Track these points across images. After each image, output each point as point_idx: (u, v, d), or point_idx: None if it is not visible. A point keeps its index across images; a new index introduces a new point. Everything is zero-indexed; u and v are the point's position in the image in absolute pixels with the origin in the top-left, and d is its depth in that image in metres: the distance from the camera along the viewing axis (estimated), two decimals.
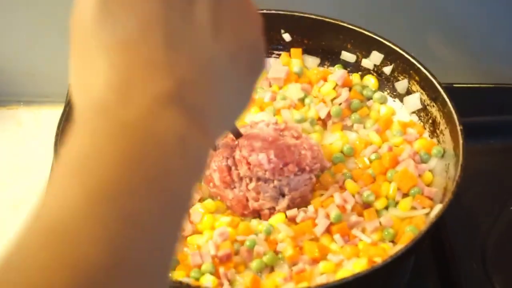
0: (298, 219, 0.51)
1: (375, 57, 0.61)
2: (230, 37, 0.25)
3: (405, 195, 0.53)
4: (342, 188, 0.54)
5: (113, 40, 0.23)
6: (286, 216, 0.52)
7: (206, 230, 0.51)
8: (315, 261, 0.49)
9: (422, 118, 0.59)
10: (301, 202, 0.52)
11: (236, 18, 0.26)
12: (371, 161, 0.56)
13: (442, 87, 0.56)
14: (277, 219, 0.52)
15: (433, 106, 0.57)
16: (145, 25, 0.23)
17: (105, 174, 0.21)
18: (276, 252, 0.50)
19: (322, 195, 0.53)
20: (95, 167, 0.21)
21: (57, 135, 0.52)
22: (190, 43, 0.24)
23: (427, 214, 0.52)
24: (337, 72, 0.61)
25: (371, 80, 0.61)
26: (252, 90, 0.27)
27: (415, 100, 0.59)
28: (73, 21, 0.25)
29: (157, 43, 0.23)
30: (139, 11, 0.23)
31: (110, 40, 0.23)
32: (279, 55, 0.63)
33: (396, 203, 0.53)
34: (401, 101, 0.60)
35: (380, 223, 0.52)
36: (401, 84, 0.60)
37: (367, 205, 0.53)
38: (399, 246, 0.49)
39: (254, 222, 0.52)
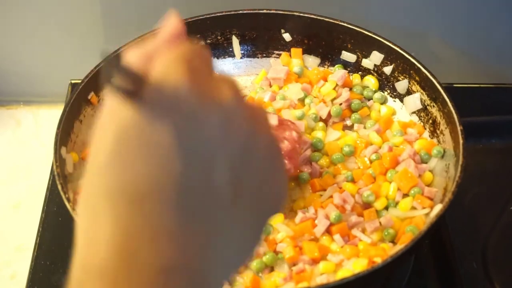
0: (297, 220, 0.51)
1: (376, 57, 0.61)
2: (250, 203, 0.23)
3: (405, 195, 0.53)
4: (342, 188, 0.53)
5: (122, 188, 0.21)
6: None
7: None
8: (315, 261, 0.49)
9: (422, 118, 0.59)
10: None
11: (259, 179, 0.24)
12: (371, 161, 0.56)
13: (442, 87, 0.55)
14: (277, 219, 0.52)
15: (433, 106, 0.57)
16: (160, 173, 0.21)
17: None
18: (276, 252, 0.50)
19: (321, 195, 0.53)
20: None
21: (56, 134, 0.52)
22: (203, 207, 0.22)
23: (427, 214, 0.52)
24: (338, 72, 0.61)
25: (371, 81, 0.61)
26: (259, 241, 0.25)
27: (415, 100, 0.59)
28: (89, 153, 0.23)
29: (168, 200, 0.21)
30: (156, 156, 0.21)
31: (120, 187, 0.21)
32: (279, 55, 0.63)
33: (396, 203, 0.53)
34: (401, 101, 0.60)
35: (380, 223, 0.52)
36: (402, 84, 0.60)
37: (367, 205, 0.53)
38: (399, 246, 0.49)
39: None
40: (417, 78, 0.58)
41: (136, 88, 0.21)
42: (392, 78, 0.60)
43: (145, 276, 0.21)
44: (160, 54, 0.23)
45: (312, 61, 0.63)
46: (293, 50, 0.63)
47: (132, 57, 0.23)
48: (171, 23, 0.25)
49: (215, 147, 0.22)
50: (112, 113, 0.22)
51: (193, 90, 0.22)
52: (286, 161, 0.51)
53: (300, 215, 0.51)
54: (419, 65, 0.57)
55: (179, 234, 0.22)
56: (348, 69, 0.62)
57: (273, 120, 0.52)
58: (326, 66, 0.63)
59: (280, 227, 0.51)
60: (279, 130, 0.51)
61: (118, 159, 0.22)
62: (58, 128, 0.52)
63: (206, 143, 0.22)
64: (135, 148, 0.22)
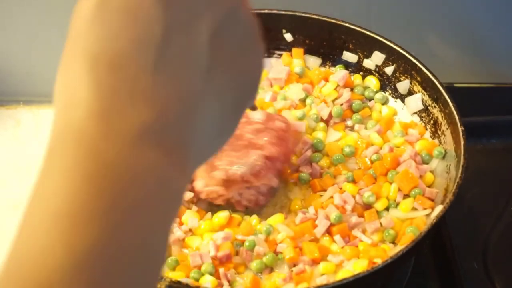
0: (297, 221, 0.51)
1: (377, 58, 0.60)
2: (225, 74, 0.23)
3: (406, 196, 0.53)
4: (342, 189, 0.53)
5: (101, 51, 0.21)
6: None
7: (206, 233, 0.51)
8: (315, 262, 0.49)
9: (423, 119, 0.59)
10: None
11: (238, 54, 0.24)
12: (372, 162, 0.56)
13: (444, 88, 0.55)
14: (277, 220, 0.52)
15: (435, 106, 0.57)
16: (140, 36, 0.21)
17: (82, 219, 0.20)
18: (276, 253, 0.50)
19: (321, 195, 0.53)
20: (72, 214, 0.20)
21: None
22: (182, 71, 0.22)
23: (428, 215, 0.52)
24: (339, 73, 0.61)
25: (372, 81, 0.61)
26: (235, 127, 0.25)
27: (417, 100, 0.59)
28: (71, 22, 0.23)
29: (147, 63, 0.21)
30: (136, 19, 0.21)
31: (98, 51, 0.21)
32: (281, 55, 0.63)
33: (397, 204, 0.53)
34: (403, 101, 0.60)
35: (380, 224, 0.52)
36: (403, 85, 0.60)
37: (367, 206, 0.53)
38: (400, 247, 0.49)
39: (254, 221, 0.52)
40: (418, 78, 0.58)
41: None
42: (393, 79, 0.60)
43: (124, 137, 0.20)
44: None
45: (313, 61, 0.63)
46: (294, 50, 0.63)
47: None
48: None
49: (198, 12, 0.22)
50: None
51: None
52: (273, 149, 0.50)
53: (300, 215, 0.51)
54: (420, 66, 0.57)
55: (158, 97, 0.21)
56: (350, 69, 0.62)
57: (259, 115, 0.52)
58: (327, 67, 0.63)
59: (280, 228, 0.51)
60: (266, 122, 0.51)
61: (98, 23, 0.22)
62: None
63: (188, 7, 0.22)
64: (116, 11, 0.22)
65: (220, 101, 0.23)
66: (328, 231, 0.51)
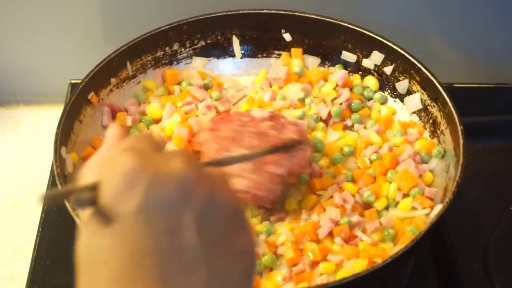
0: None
1: (376, 57, 0.60)
2: (223, 255, 0.26)
3: (406, 195, 0.53)
4: (342, 188, 0.53)
5: (109, 276, 0.24)
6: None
7: None
8: (315, 263, 0.49)
9: (422, 118, 0.59)
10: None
11: (226, 232, 0.26)
12: (371, 161, 0.56)
13: (443, 87, 0.55)
14: (283, 225, 0.51)
15: (434, 106, 0.57)
16: (135, 258, 0.24)
17: None
18: (277, 255, 0.50)
19: (321, 195, 0.53)
20: None
21: (56, 134, 0.51)
22: (183, 272, 0.24)
23: (428, 214, 0.52)
24: (338, 73, 0.61)
25: (371, 81, 0.61)
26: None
27: (416, 100, 0.59)
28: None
29: (152, 275, 0.24)
30: (126, 249, 0.24)
31: (106, 276, 0.24)
32: (280, 55, 0.63)
33: (397, 204, 0.53)
34: (402, 101, 0.60)
35: (380, 223, 0.52)
36: (402, 84, 0.60)
37: (367, 205, 0.53)
38: (400, 247, 0.49)
39: (254, 220, 0.52)
40: (417, 78, 0.58)
41: (92, 195, 0.25)
42: (392, 78, 0.60)
43: None
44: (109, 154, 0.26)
45: (313, 61, 0.63)
46: (293, 50, 0.63)
47: (89, 173, 0.26)
48: (112, 129, 0.29)
49: (177, 211, 0.25)
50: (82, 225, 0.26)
51: (144, 168, 0.25)
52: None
53: (302, 217, 0.51)
54: (419, 65, 0.57)
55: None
56: (349, 69, 0.62)
57: (296, 132, 0.51)
58: (326, 66, 0.63)
59: (282, 230, 0.51)
60: (280, 131, 0.51)
61: (98, 263, 0.25)
62: (58, 128, 0.52)
63: (170, 211, 0.25)
64: (106, 244, 0.25)
65: (227, 275, 0.26)
66: (329, 231, 0.51)
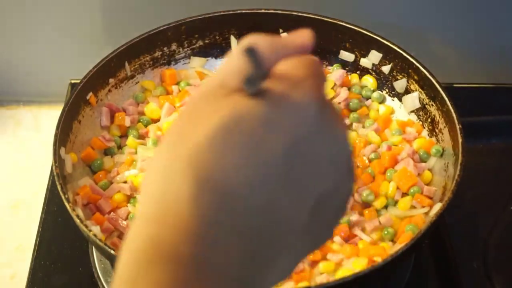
0: None
1: (374, 56, 0.60)
2: (317, 226, 0.23)
3: (405, 194, 0.53)
4: None
5: (209, 175, 0.21)
6: None
7: None
8: (315, 262, 0.49)
9: (421, 117, 0.59)
10: None
11: (332, 201, 0.23)
12: (370, 160, 0.56)
13: (441, 86, 0.55)
14: None
15: (432, 105, 0.57)
16: (251, 177, 0.21)
17: None
18: None
19: None
20: None
21: (55, 135, 0.52)
22: (278, 232, 0.21)
23: (427, 213, 0.52)
24: (336, 72, 0.61)
25: (369, 80, 0.61)
26: (330, 236, 0.25)
27: (414, 99, 0.59)
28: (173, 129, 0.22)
29: (249, 209, 0.21)
30: (255, 159, 0.21)
31: (206, 174, 0.21)
32: None
33: (396, 202, 0.53)
34: (400, 100, 0.60)
35: (379, 222, 0.51)
36: (400, 83, 0.60)
37: (366, 204, 0.53)
38: (399, 245, 0.49)
39: None
40: (415, 77, 0.58)
41: (260, 79, 0.22)
42: (390, 77, 0.60)
43: (217, 281, 0.20)
44: (293, 58, 0.24)
45: None
46: None
47: (263, 45, 0.23)
48: (304, 34, 0.25)
49: (314, 179, 0.22)
50: (221, 98, 0.22)
51: (316, 110, 0.22)
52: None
53: None
54: (417, 64, 0.57)
55: (246, 241, 0.21)
56: (347, 68, 0.62)
57: None
58: (324, 65, 0.63)
59: None
60: None
61: (219, 144, 0.21)
62: (57, 128, 0.52)
63: (308, 171, 0.22)
64: (241, 140, 0.21)
65: (304, 244, 0.23)
66: None
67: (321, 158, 0.23)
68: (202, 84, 0.24)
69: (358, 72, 0.62)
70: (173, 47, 0.62)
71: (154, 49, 0.61)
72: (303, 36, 0.25)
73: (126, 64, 0.60)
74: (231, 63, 0.23)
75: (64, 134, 0.53)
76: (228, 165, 0.21)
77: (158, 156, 0.22)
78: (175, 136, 0.22)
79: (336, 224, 0.25)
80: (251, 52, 0.22)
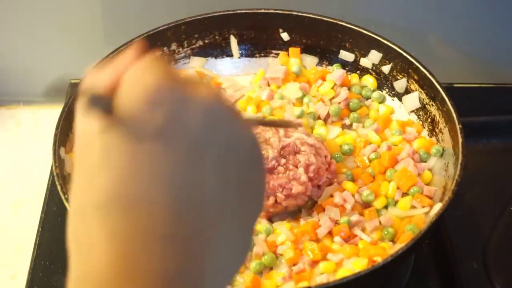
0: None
1: (374, 56, 0.60)
2: (237, 204, 0.23)
3: (405, 194, 0.53)
4: (341, 187, 0.53)
5: (112, 196, 0.21)
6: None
7: None
8: (315, 262, 0.49)
9: (421, 117, 0.59)
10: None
11: (245, 180, 0.24)
12: (370, 160, 0.56)
13: (441, 86, 0.55)
14: (282, 224, 0.51)
15: (432, 105, 0.57)
16: (148, 184, 0.21)
17: None
18: (276, 255, 0.50)
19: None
20: None
21: (55, 135, 0.52)
22: (196, 211, 0.22)
23: (427, 213, 0.52)
24: (336, 72, 0.61)
25: (369, 80, 0.61)
26: (250, 241, 0.26)
27: (414, 99, 0.59)
28: (74, 165, 0.23)
29: (159, 208, 0.21)
30: (142, 168, 0.21)
31: (110, 195, 0.21)
32: (277, 54, 0.63)
33: (396, 202, 0.53)
34: (400, 100, 0.60)
35: (380, 222, 0.51)
36: (400, 83, 0.60)
37: (366, 204, 0.53)
38: (399, 245, 0.49)
39: None
40: (415, 76, 0.58)
41: (108, 101, 0.22)
42: (390, 77, 0.60)
43: (146, 283, 0.21)
44: (128, 68, 0.23)
45: (310, 60, 0.63)
46: (291, 49, 0.63)
47: (100, 78, 0.23)
48: (135, 45, 0.25)
49: (202, 146, 0.22)
50: (92, 133, 0.22)
51: (169, 88, 0.22)
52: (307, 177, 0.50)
53: (302, 222, 0.51)
54: (417, 64, 0.57)
55: (174, 238, 0.21)
56: (347, 68, 0.62)
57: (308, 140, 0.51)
58: (324, 66, 0.63)
59: (282, 230, 0.51)
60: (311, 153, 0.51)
61: (105, 168, 0.22)
62: (56, 129, 0.52)
63: (193, 143, 0.22)
64: (124, 157, 0.22)
65: (234, 227, 0.24)
66: (329, 231, 0.51)
67: (200, 124, 0.22)
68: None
69: (358, 72, 0.62)
70: (173, 47, 0.62)
71: (153, 49, 0.61)
72: (134, 47, 0.25)
73: None
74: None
75: (64, 134, 0.53)
76: (122, 182, 0.21)
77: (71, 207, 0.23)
78: (76, 188, 0.23)
79: (260, 184, 0.25)
80: (91, 103, 0.22)
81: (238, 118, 0.24)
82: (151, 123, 0.22)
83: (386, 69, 0.60)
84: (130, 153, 0.22)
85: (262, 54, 0.64)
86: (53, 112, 0.67)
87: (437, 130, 0.57)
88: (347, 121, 0.59)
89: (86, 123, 0.23)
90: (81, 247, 0.22)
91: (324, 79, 0.61)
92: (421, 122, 0.58)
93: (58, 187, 0.48)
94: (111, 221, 0.21)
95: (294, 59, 0.63)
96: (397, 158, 0.55)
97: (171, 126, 0.22)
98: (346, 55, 0.62)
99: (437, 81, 0.56)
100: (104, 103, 0.22)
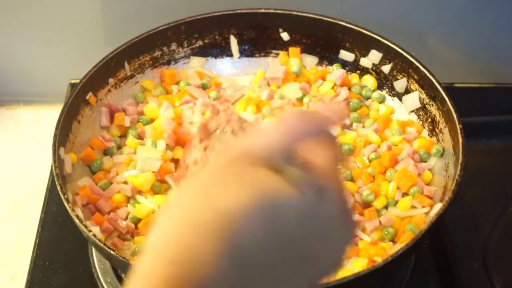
0: None
1: (374, 56, 0.60)
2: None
3: (405, 194, 0.53)
4: None
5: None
6: None
7: None
8: None
9: (421, 117, 0.59)
10: None
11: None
12: (370, 160, 0.56)
13: (441, 86, 0.55)
14: None
15: (432, 105, 0.57)
16: (267, 251, 0.24)
17: None
18: None
19: None
20: None
21: (55, 135, 0.52)
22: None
23: (427, 213, 0.52)
24: (336, 72, 0.61)
25: (369, 80, 0.61)
26: None
27: (414, 99, 0.59)
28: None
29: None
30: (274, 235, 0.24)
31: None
32: (277, 54, 0.63)
33: (396, 202, 0.53)
34: (400, 100, 0.60)
35: (380, 222, 0.51)
36: (400, 83, 0.60)
37: (366, 204, 0.53)
38: (399, 245, 0.49)
39: None
40: (415, 76, 0.58)
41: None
42: (390, 77, 0.60)
43: None
44: (322, 146, 0.26)
45: (310, 60, 0.63)
46: (291, 49, 0.63)
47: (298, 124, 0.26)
48: (337, 115, 0.28)
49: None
50: (251, 166, 0.25)
51: (337, 202, 0.25)
52: None
53: None
54: (417, 64, 0.57)
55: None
56: (347, 68, 0.62)
57: None
58: (324, 65, 0.63)
59: None
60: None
61: (249, 217, 0.24)
62: (56, 129, 0.52)
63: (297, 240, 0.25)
64: (269, 220, 0.24)
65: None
66: None
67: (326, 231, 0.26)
68: (225, 149, 0.27)
69: (358, 71, 0.62)
70: (173, 47, 0.62)
71: (153, 49, 0.61)
72: (335, 112, 0.27)
73: (126, 64, 0.60)
74: (266, 135, 0.26)
75: (63, 134, 0.53)
76: (252, 237, 0.24)
77: (179, 201, 0.25)
78: (201, 191, 0.25)
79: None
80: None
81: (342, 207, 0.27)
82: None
83: (386, 69, 0.60)
84: (279, 220, 0.24)
85: (262, 54, 0.64)
86: (53, 112, 0.67)
87: (437, 130, 0.57)
88: (347, 121, 0.59)
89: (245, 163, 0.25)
90: (188, 254, 0.23)
91: (324, 79, 0.61)
92: (421, 122, 0.58)
93: (58, 187, 0.48)
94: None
95: (294, 59, 0.63)
96: (397, 158, 0.55)
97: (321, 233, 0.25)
98: (346, 55, 0.62)
99: (437, 81, 0.56)
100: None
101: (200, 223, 0.24)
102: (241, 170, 0.25)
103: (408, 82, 0.59)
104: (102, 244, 0.44)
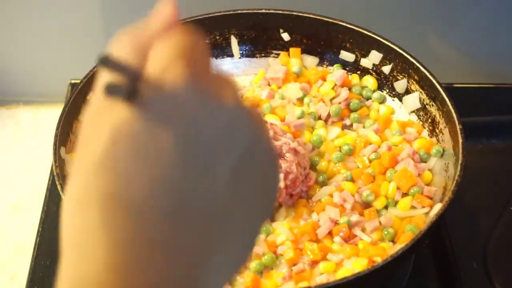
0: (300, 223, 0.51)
1: (374, 57, 0.60)
2: (245, 210, 0.23)
3: (405, 194, 0.53)
4: (341, 187, 0.53)
5: (115, 197, 0.20)
6: None
7: None
8: (315, 262, 0.49)
9: (421, 118, 0.59)
10: None
11: (256, 187, 0.23)
12: (370, 161, 0.56)
13: (441, 86, 0.55)
14: (281, 224, 0.51)
15: (432, 105, 0.57)
16: (153, 184, 0.20)
17: None
18: (276, 255, 0.50)
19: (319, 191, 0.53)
20: None
21: (55, 135, 0.52)
22: (200, 217, 0.21)
23: (427, 213, 0.52)
24: (336, 72, 0.61)
25: (370, 81, 0.61)
26: (251, 248, 0.25)
27: (414, 99, 0.59)
28: (75, 161, 0.22)
29: (163, 212, 0.20)
30: (150, 165, 0.20)
31: (112, 196, 0.20)
32: (278, 54, 0.63)
33: (396, 203, 0.53)
34: (400, 100, 0.60)
35: (380, 222, 0.51)
36: (400, 84, 0.60)
37: (366, 204, 0.53)
38: (399, 246, 0.49)
39: None
40: (416, 77, 0.58)
41: (132, 85, 0.20)
42: (391, 78, 0.60)
43: None
44: (155, 45, 0.22)
45: (311, 60, 0.63)
46: (291, 49, 0.63)
47: (123, 50, 0.22)
48: (165, 9, 0.23)
49: (217, 154, 0.21)
50: (105, 111, 0.21)
51: (194, 89, 0.21)
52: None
53: (302, 222, 0.51)
54: (418, 64, 0.57)
55: (175, 244, 0.21)
56: (347, 68, 0.62)
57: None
58: (324, 66, 0.63)
59: (281, 230, 0.51)
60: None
61: (111, 161, 0.20)
62: (57, 128, 0.52)
63: (208, 149, 0.21)
64: (131, 152, 0.20)
65: (238, 232, 0.23)
66: (329, 231, 0.51)
67: (220, 131, 0.21)
68: (89, 101, 0.23)
69: (358, 72, 0.62)
70: None
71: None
72: (164, 12, 0.23)
73: None
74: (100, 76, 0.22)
75: (64, 134, 0.53)
76: (125, 179, 0.20)
77: (70, 183, 0.22)
78: (77, 159, 0.22)
79: (272, 191, 0.25)
80: (104, 62, 0.21)
81: (258, 125, 0.23)
82: (171, 123, 0.20)
83: (386, 69, 0.60)
84: (139, 150, 0.20)
85: (263, 54, 0.64)
86: (53, 112, 0.67)
87: (437, 131, 0.57)
88: (347, 122, 0.59)
89: (100, 106, 0.21)
90: (78, 248, 0.21)
91: (324, 80, 0.61)
92: (421, 123, 0.59)
93: (58, 187, 0.48)
94: (111, 222, 0.20)
95: (294, 59, 0.63)
96: (397, 159, 0.55)
97: (188, 130, 0.20)
98: (347, 56, 0.62)
99: (438, 82, 0.56)
100: (125, 90, 0.20)
101: (81, 204, 0.20)
102: (96, 119, 0.21)
103: (408, 82, 0.59)
104: None
